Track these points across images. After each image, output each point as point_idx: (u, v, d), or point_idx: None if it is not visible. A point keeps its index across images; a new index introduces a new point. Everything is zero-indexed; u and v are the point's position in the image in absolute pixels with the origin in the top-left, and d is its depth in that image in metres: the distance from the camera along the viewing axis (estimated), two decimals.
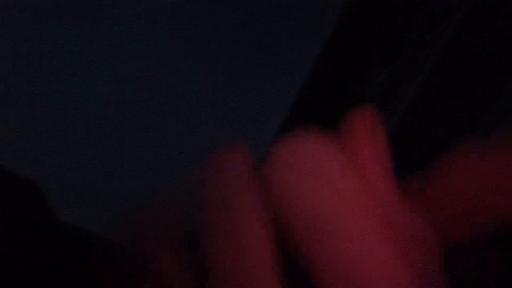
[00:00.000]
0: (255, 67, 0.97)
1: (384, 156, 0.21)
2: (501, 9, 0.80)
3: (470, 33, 0.82)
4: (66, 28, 0.95)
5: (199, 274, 0.21)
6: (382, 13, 0.80)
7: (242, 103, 0.97)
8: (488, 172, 0.20)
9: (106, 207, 1.00)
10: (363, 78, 0.84)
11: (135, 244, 0.25)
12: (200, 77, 0.97)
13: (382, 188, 0.20)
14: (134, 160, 0.97)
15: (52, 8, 0.94)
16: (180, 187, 0.25)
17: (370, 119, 0.22)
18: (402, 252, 0.17)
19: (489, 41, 0.82)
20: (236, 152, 0.23)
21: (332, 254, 0.17)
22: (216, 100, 0.96)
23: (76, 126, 1.00)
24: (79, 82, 0.97)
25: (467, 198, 0.20)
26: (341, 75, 0.89)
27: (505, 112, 0.85)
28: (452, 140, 0.89)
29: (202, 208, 0.22)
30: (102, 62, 0.97)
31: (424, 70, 0.81)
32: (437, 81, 0.85)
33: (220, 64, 0.97)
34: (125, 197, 1.02)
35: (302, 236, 0.18)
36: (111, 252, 0.32)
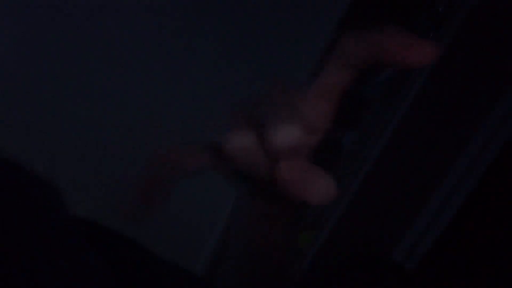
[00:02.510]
0: (255, 68, 0.97)
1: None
2: (504, 9, 0.81)
3: (473, 32, 0.82)
4: (68, 29, 0.95)
5: None
6: (386, 11, 0.80)
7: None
8: None
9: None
10: (365, 77, 0.84)
11: None
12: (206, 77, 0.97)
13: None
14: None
15: (52, 7, 0.94)
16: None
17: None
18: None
19: (492, 40, 0.82)
20: None
21: None
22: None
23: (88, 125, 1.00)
24: (86, 83, 0.97)
25: None
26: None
27: (505, 112, 0.85)
28: (453, 139, 0.89)
29: None
30: (103, 60, 0.97)
31: (427, 69, 0.81)
32: (440, 80, 0.85)
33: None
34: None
35: None
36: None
